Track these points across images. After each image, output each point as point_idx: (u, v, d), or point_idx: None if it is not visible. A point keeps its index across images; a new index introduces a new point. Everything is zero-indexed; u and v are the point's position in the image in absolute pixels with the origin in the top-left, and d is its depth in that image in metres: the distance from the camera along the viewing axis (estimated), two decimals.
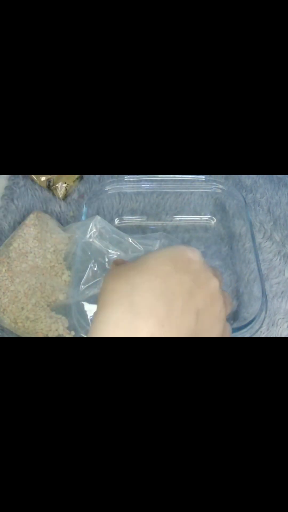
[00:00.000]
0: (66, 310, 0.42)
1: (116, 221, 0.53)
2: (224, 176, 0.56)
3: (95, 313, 0.25)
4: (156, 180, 0.52)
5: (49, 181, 0.54)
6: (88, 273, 0.44)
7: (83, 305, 0.42)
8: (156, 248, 0.45)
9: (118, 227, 0.53)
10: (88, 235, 0.46)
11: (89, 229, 0.46)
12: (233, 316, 0.46)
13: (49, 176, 0.55)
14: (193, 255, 0.27)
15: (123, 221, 0.53)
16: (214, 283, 0.27)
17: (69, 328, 0.42)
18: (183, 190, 0.54)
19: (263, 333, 0.45)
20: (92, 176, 0.57)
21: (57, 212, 0.53)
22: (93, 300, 0.43)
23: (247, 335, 0.39)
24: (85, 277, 0.44)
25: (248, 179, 0.58)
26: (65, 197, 0.54)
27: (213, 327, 0.26)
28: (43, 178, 0.55)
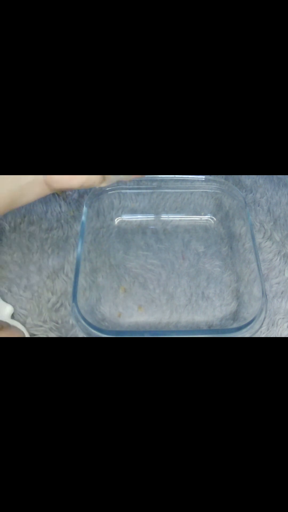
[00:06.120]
0: None
1: (116, 221, 0.53)
2: (224, 176, 0.56)
3: None
4: (156, 180, 0.52)
5: None
6: None
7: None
8: None
9: (118, 227, 0.53)
10: None
11: None
12: (233, 316, 0.46)
13: None
14: None
15: (123, 221, 0.53)
16: None
17: None
18: (183, 190, 0.54)
19: (263, 333, 0.45)
20: None
21: (57, 212, 0.53)
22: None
23: (247, 335, 0.39)
24: None
25: (248, 179, 0.58)
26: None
27: None
28: None
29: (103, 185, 0.35)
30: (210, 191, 0.54)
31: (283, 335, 0.45)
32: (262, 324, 0.41)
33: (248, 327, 0.40)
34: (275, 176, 0.59)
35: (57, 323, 0.45)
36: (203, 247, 0.51)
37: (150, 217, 0.54)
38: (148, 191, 0.54)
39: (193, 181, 0.53)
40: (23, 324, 0.45)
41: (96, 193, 0.52)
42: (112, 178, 0.35)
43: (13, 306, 0.46)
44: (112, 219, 0.53)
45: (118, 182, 0.34)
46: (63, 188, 0.33)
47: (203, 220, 0.54)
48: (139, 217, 0.54)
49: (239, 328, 0.39)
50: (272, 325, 0.46)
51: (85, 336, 0.40)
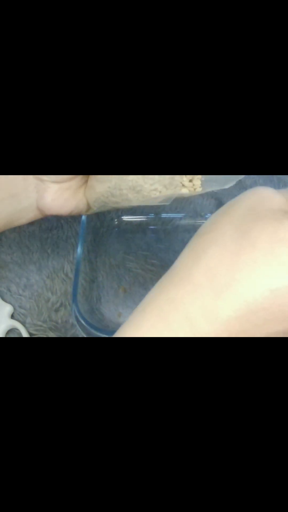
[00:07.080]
0: None
1: (116, 221, 0.53)
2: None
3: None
4: None
5: None
6: None
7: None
8: None
9: (118, 227, 0.53)
10: None
11: None
12: None
13: None
14: None
15: (123, 221, 0.53)
16: None
17: None
18: None
19: None
20: None
21: None
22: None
23: None
24: None
25: (248, 179, 0.58)
26: None
27: None
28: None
29: (89, 212, 0.38)
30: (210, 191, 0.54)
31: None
32: None
33: None
34: (275, 176, 0.58)
35: (57, 323, 0.45)
36: None
37: (150, 217, 0.54)
38: None
39: None
40: (23, 323, 0.45)
41: None
42: (95, 210, 0.38)
43: (13, 305, 0.46)
44: (112, 219, 0.53)
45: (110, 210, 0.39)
46: (53, 214, 0.37)
47: (203, 220, 0.54)
48: (139, 217, 0.54)
49: None
50: None
51: (85, 336, 0.40)
